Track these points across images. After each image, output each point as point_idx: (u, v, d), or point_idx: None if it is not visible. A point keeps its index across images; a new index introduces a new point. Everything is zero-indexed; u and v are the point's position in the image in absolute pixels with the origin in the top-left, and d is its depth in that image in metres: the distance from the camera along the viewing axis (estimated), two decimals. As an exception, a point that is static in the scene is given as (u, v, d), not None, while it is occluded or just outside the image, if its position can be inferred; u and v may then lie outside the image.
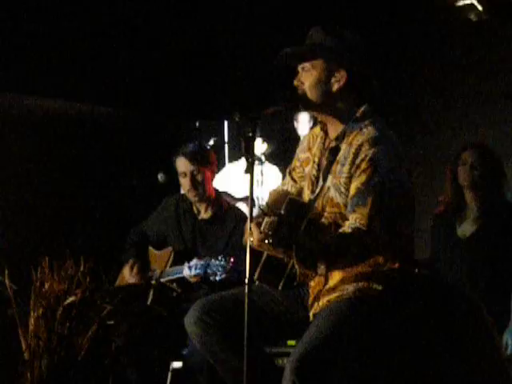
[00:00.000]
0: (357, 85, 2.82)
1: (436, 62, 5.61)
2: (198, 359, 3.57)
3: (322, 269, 2.66)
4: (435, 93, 5.60)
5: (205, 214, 4.15)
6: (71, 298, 3.27)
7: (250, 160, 2.65)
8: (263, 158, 5.78)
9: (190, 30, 5.51)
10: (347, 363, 2.69)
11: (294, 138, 6.73)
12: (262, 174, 5.88)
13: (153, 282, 4.04)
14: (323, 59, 2.80)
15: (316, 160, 2.89)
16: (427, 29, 5.55)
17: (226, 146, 6.22)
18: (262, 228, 2.55)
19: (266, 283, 2.84)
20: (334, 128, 2.85)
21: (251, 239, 2.59)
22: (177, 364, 4.01)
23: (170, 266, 4.04)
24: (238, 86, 5.69)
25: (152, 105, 5.78)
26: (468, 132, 5.34)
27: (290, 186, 3.05)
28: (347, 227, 2.66)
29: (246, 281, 2.59)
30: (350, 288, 2.73)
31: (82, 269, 3.32)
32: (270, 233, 2.50)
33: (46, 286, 3.30)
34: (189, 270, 3.82)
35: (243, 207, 5.20)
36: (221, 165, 6.08)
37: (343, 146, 2.78)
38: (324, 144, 2.90)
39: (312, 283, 2.83)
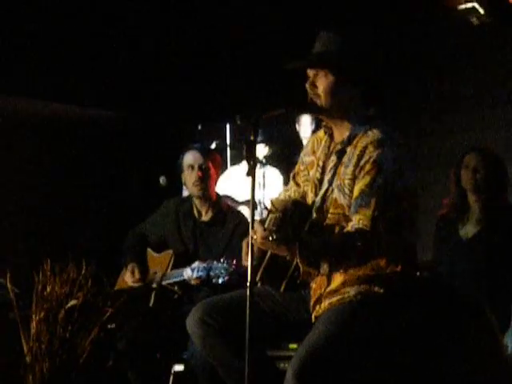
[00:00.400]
0: (368, 90, 2.82)
1: (438, 64, 5.61)
2: (200, 361, 3.57)
3: (324, 268, 2.64)
4: (439, 96, 5.60)
5: (205, 216, 4.15)
6: (73, 302, 3.27)
7: (251, 163, 2.65)
8: (264, 160, 5.77)
9: (191, 33, 5.51)
10: (349, 367, 2.68)
11: (296, 141, 6.73)
12: (263, 177, 5.88)
13: (154, 285, 4.04)
14: (341, 67, 2.80)
15: (320, 163, 2.89)
16: (429, 31, 5.55)
17: (228, 149, 6.22)
18: (266, 224, 2.56)
19: (268, 285, 2.84)
20: (340, 131, 2.85)
21: (254, 238, 2.59)
22: (178, 367, 4.01)
23: (171, 269, 4.04)
24: (239, 89, 5.69)
25: (154, 108, 5.78)
26: (471, 135, 5.35)
27: (292, 191, 3.05)
28: (350, 228, 2.66)
29: (248, 284, 2.58)
30: (351, 291, 2.73)
31: (83, 272, 3.33)
32: (274, 228, 2.50)
33: (48, 289, 3.30)
34: (191, 273, 3.82)
35: (245, 210, 5.21)
36: (223, 168, 6.08)
37: (348, 149, 2.79)
38: (329, 148, 2.89)
39: (313, 285, 2.83)
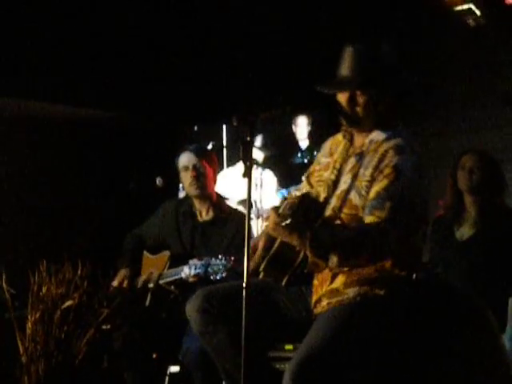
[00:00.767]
0: (400, 100, 2.86)
1: (434, 66, 5.62)
2: (193, 357, 3.56)
3: (333, 261, 2.64)
4: (434, 97, 5.60)
5: (206, 215, 4.14)
6: (69, 302, 3.28)
7: (247, 164, 2.65)
8: (260, 163, 5.78)
9: (189, 34, 5.51)
10: (346, 369, 2.68)
11: (292, 142, 6.74)
12: (261, 177, 5.89)
13: (151, 284, 4.04)
14: (376, 87, 2.81)
15: (337, 166, 2.90)
16: (425, 33, 5.55)
17: (225, 150, 6.22)
18: (280, 210, 2.55)
19: (270, 276, 2.84)
20: (361, 137, 2.88)
21: (266, 224, 2.60)
22: (174, 368, 4.01)
23: (168, 269, 4.04)
24: (236, 90, 5.69)
25: (150, 109, 5.78)
26: (468, 136, 5.35)
27: (304, 191, 3.06)
28: (364, 227, 2.67)
29: (244, 284, 2.58)
30: (350, 293, 2.74)
31: (79, 273, 3.33)
32: (289, 213, 2.50)
33: (44, 289, 3.30)
34: (188, 270, 3.82)
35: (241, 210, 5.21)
36: (219, 169, 6.08)
37: (369, 154, 2.81)
38: (347, 151, 2.91)
39: (316, 282, 2.84)
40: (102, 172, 5.80)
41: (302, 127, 6.80)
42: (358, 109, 2.81)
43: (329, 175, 2.91)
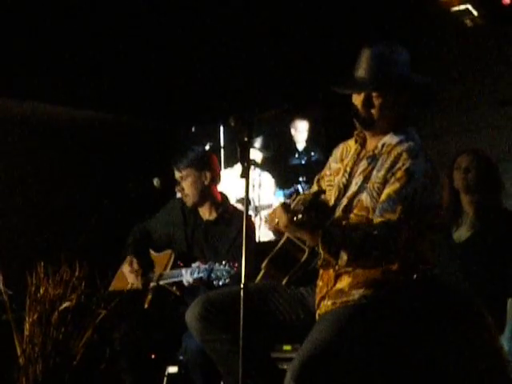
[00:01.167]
0: (411, 103, 2.88)
1: (431, 66, 5.61)
2: (193, 357, 3.57)
3: (343, 259, 2.64)
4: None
5: (210, 215, 4.14)
6: (66, 303, 3.26)
7: (245, 164, 2.65)
8: (259, 164, 5.78)
9: (185, 36, 5.51)
10: (348, 371, 2.68)
11: (289, 144, 6.73)
12: (259, 177, 5.89)
13: (152, 284, 4.03)
14: (393, 89, 2.83)
15: (348, 169, 2.91)
16: (422, 33, 5.55)
17: (222, 150, 6.22)
18: (292, 206, 2.56)
19: (271, 275, 2.85)
20: (374, 139, 2.88)
21: (276, 221, 2.60)
22: (173, 369, 4.01)
23: (171, 269, 4.03)
24: (233, 90, 5.69)
25: (148, 110, 5.78)
26: (465, 137, 5.35)
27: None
28: (374, 228, 2.68)
29: (242, 285, 2.58)
30: (356, 295, 2.75)
31: (77, 274, 3.32)
32: (301, 208, 2.50)
33: (41, 291, 3.29)
34: (190, 275, 3.81)
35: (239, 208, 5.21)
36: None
37: (382, 156, 2.82)
38: (359, 155, 2.92)
39: (320, 283, 2.84)
40: (99, 173, 5.80)
41: (301, 131, 6.80)
42: (373, 111, 2.82)
43: (340, 179, 2.92)
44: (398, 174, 2.72)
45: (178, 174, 4.12)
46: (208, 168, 4.11)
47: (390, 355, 2.75)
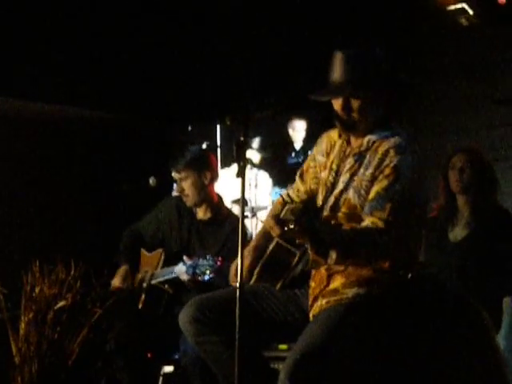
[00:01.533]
0: (392, 102, 2.85)
1: (426, 65, 5.62)
2: (191, 359, 3.56)
3: (332, 258, 2.63)
4: (426, 97, 5.61)
5: (204, 215, 4.14)
6: (62, 303, 3.27)
7: (241, 164, 2.65)
8: (258, 166, 5.78)
9: (182, 35, 5.51)
10: (343, 368, 2.68)
11: (287, 143, 6.75)
12: (256, 177, 5.90)
13: (144, 284, 4.03)
14: (372, 91, 2.80)
15: (334, 167, 2.90)
16: (418, 32, 5.56)
17: (219, 149, 6.22)
18: (282, 214, 2.55)
19: (264, 282, 2.84)
20: (358, 136, 2.87)
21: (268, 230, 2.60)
22: (168, 368, 4.00)
23: (161, 268, 4.03)
24: (229, 90, 5.69)
25: (144, 109, 5.77)
26: (460, 137, 5.36)
27: (295, 190, 3.07)
28: (364, 226, 2.68)
29: (238, 285, 2.58)
30: (349, 293, 2.74)
31: (72, 273, 3.32)
32: (293, 218, 2.49)
33: (37, 290, 3.29)
34: (178, 270, 3.83)
35: (235, 209, 5.21)
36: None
37: (368, 154, 2.81)
38: (344, 152, 2.91)
39: (313, 284, 2.83)
40: (95, 172, 5.79)
41: (299, 131, 6.80)
42: (354, 114, 2.80)
43: (326, 177, 2.90)
44: (386, 171, 2.71)
45: (176, 175, 4.10)
46: (207, 168, 4.09)
47: (384, 354, 2.75)
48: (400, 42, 5.58)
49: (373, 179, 2.73)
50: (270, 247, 2.79)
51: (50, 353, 3.21)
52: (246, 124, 2.69)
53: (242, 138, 2.66)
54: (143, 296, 4.01)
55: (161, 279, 3.98)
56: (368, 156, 2.80)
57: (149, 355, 3.97)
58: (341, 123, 2.83)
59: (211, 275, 3.71)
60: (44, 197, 5.46)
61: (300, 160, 6.52)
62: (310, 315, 2.80)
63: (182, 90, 5.69)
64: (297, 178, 3.10)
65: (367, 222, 2.68)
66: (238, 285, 2.58)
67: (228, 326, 2.70)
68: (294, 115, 6.79)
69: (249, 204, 5.96)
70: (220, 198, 4.19)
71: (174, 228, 4.14)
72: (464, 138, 5.25)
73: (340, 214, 2.78)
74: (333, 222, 2.77)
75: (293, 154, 6.86)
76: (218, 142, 6.32)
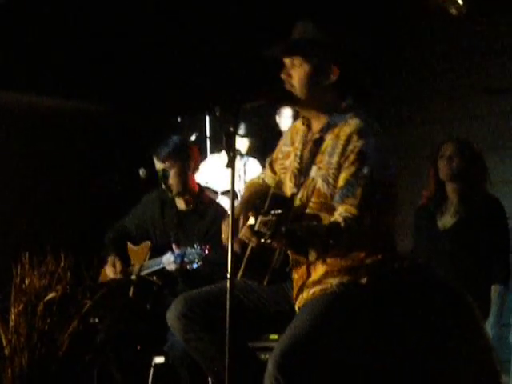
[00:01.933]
0: (346, 79, 2.82)
1: (417, 55, 5.62)
2: (179, 352, 3.57)
3: (313, 255, 2.64)
4: (418, 86, 5.61)
5: (186, 206, 4.16)
6: (52, 294, 3.26)
7: (231, 154, 2.64)
8: (246, 153, 5.78)
9: (172, 25, 5.49)
10: (330, 357, 2.69)
11: (276, 133, 6.72)
12: (244, 168, 5.88)
13: (133, 277, 4.03)
14: (317, 55, 2.78)
15: (298, 153, 2.89)
16: (408, 22, 5.55)
17: (208, 140, 6.21)
18: (256, 227, 2.54)
19: (250, 280, 2.83)
20: (318, 121, 2.86)
21: (247, 238, 2.58)
22: (159, 359, 4.01)
23: (149, 259, 4.04)
24: (219, 80, 5.68)
25: (134, 100, 5.76)
26: (451, 126, 5.36)
27: (268, 177, 3.06)
28: (338, 216, 2.66)
29: (228, 275, 2.58)
30: (334, 282, 2.73)
31: (62, 265, 3.32)
32: (268, 233, 2.48)
33: (27, 281, 3.28)
34: (172, 257, 3.84)
35: (225, 201, 5.21)
36: (203, 160, 6.07)
37: (328, 137, 2.79)
38: (306, 137, 2.90)
39: (295, 276, 2.83)
40: (85, 163, 5.78)
41: (286, 118, 6.78)
42: (294, 82, 2.78)
43: (292, 164, 2.90)
44: (352, 158, 2.69)
45: (160, 165, 4.12)
46: (190, 158, 4.13)
47: (372, 343, 2.76)
48: (388, 32, 5.57)
49: (339, 167, 2.72)
50: (249, 248, 2.77)
51: (41, 344, 3.21)
52: (235, 114, 2.69)
53: (231, 129, 2.66)
54: (132, 289, 4.02)
55: (149, 271, 3.99)
56: (329, 140, 2.78)
57: (138, 347, 3.97)
58: (287, 95, 2.80)
59: (199, 263, 3.73)
60: (33, 188, 5.44)
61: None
62: (296, 307, 2.80)
63: (172, 81, 5.68)
64: (267, 165, 3.09)
65: (340, 210, 2.67)
66: (228, 276, 2.58)
67: (216, 321, 2.71)
68: (284, 105, 6.78)
69: (238, 196, 5.94)
70: (200, 188, 4.22)
71: (157, 220, 4.18)
72: (454, 128, 5.25)
73: (311, 204, 2.77)
74: (305, 213, 2.75)
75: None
76: (208, 133, 6.30)
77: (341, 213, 2.66)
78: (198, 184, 4.23)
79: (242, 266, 2.76)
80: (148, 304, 3.99)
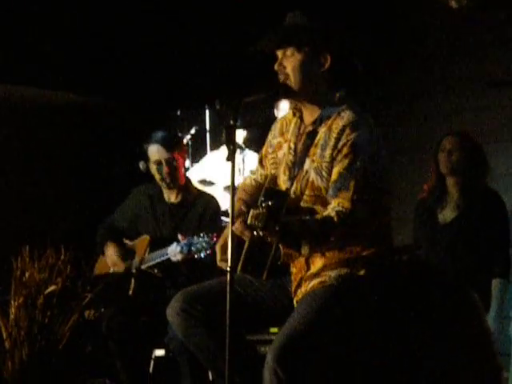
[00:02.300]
0: (338, 69, 2.81)
1: (418, 49, 5.61)
2: (179, 345, 3.58)
3: (305, 249, 2.65)
4: (420, 80, 5.60)
5: (175, 198, 4.19)
6: (52, 287, 3.26)
7: (231, 148, 2.64)
8: (244, 145, 5.77)
9: (170, 19, 5.48)
10: (329, 350, 2.69)
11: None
12: (243, 162, 5.88)
13: (133, 270, 4.04)
14: (308, 43, 2.79)
15: (292, 146, 2.89)
16: (408, 16, 5.55)
17: (208, 134, 6.20)
18: (249, 221, 2.54)
19: (249, 274, 2.83)
20: (310, 113, 2.85)
21: (236, 228, 2.58)
22: (159, 352, 4.01)
23: (149, 252, 4.04)
24: (218, 74, 5.67)
25: (134, 94, 5.76)
26: (451, 120, 5.36)
27: (259, 175, 3.06)
28: (331, 210, 2.66)
29: (228, 269, 2.58)
30: (332, 274, 2.73)
31: (62, 258, 3.31)
32: (260, 225, 2.48)
33: (27, 274, 3.28)
34: (173, 251, 3.84)
35: (226, 196, 5.21)
36: (203, 153, 6.07)
37: (321, 130, 2.79)
38: (299, 129, 2.89)
39: (294, 270, 2.83)
40: (85, 157, 5.78)
41: (284, 111, 6.76)
42: (287, 71, 2.78)
43: (286, 156, 2.89)
44: (345, 151, 2.69)
45: (165, 155, 4.13)
46: (179, 150, 4.16)
47: (371, 336, 2.76)
48: (385, 26, 5.56)
49: (332, 159, 2.72)
50: (247, 242, 2.77)
51: (41, 337, 3.21)
52: (236, 108, 2.68)
53: (231, 123, 2.66)
54: (133, 282, 4.02)
55: (151, 263, 3.99)
56: (321, 133, 2.78)
57: (139, 339, 3.97)
58: (281, 86, 2.80)
59: (208, 251, 3.73)
60: (34, 182, 5.45)
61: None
62: (294, 301, 2.80)
63: (172, 75, 5.67)
64: (257, 163, 3.09)
65: (333, 204, 2.67)
66: (228, 269, 2.58)
67: (216, 316, 2.71)
68: (284, 99, 6.77)
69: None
70: (188, 180, 4.25)
71: (148, 216, 4.19)
72: (455, 121, 5.25)
73: (305, 197, 2.77)
74: (299, 206, 2.75)
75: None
76: (208, 127, 6.29)
77: (334, 207, 2.66)
78: (185, 176, 4.26)
79: (241, 261, 2.76)
80: (149, 297, 3.99)
